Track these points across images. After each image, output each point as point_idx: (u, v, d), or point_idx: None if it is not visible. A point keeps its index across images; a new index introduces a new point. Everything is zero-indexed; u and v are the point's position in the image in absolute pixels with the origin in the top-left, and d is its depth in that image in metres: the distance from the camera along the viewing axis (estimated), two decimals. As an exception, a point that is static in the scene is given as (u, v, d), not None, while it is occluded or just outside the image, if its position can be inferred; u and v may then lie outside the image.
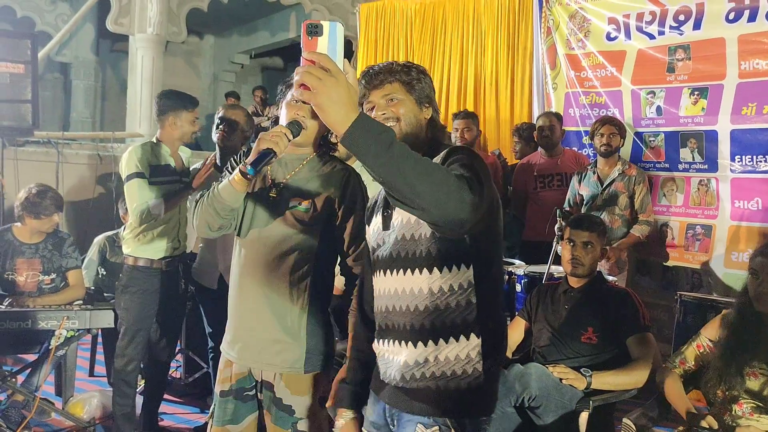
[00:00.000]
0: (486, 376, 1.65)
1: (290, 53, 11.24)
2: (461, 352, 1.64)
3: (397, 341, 1.72)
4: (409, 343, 1.68)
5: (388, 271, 1.74)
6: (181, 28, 8.32)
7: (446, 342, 1.65)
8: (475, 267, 1.64)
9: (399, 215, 1.71)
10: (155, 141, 3.36)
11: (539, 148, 4.82)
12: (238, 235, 2.20)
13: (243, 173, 1.98)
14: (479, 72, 6.02)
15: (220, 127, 3.48)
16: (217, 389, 2.25)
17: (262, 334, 2.13)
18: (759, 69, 4.07)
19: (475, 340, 1.64)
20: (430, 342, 1.66)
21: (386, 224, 1.75)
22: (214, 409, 2.26)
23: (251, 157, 1.95)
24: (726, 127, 4.21)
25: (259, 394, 2.19)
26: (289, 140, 1.99)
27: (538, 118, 4.92)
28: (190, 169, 3.51)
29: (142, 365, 3.71)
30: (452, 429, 1.65)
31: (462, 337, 1.64)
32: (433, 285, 1.64)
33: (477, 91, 6.05)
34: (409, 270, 1.68)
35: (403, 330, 1.70)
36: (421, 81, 1.78)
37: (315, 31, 1.26)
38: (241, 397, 2.20)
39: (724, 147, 4.22)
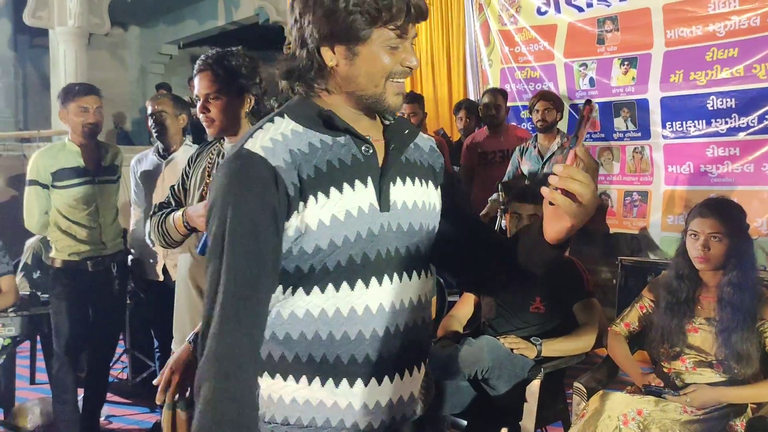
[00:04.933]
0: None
1: (220, 42, 10.96)
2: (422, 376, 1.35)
3: (376, 376, 1.23)
4: (405, 372, 1.27)
5: (387, 275, 1.23)
6: (104, 20, 8.00)
7: (425, 363, 1.35)
8: None
9: (400, 191, 1.26)
10: (65, 142, 3.25)
11: (483, 125, 4.85)
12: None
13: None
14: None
15: (151, 123, 3.37)
16: None
17: None
18: (684, 37, 4.19)
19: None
20: (415, 367, 1.30)
21: (384, 203, 1.23)
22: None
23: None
24: (656, 95, 4.32)
25: None
26: None
27: (483, 95, 4.91)
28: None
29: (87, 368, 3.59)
30: None
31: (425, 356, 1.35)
32: (428, 292, 1.32)
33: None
34: (414, 272, 1.27)
35: (395, 358, 1.25)
36: None
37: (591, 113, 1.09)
38: None
39: (656, 114, 4.34)
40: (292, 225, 1.16)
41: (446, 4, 5.77)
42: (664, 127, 4.31)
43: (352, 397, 1.21)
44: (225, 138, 2.21)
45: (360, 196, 1.20)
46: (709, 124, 4.12)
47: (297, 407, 1.21)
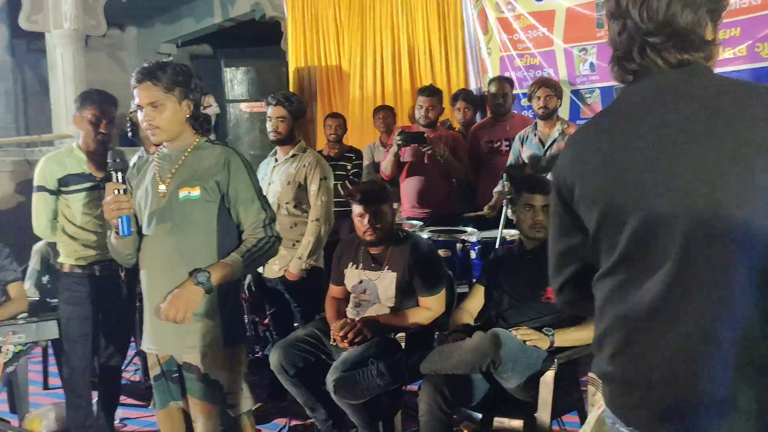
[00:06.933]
0: None
1: (219, 39, 10.94)
2: None
3: None
4: None
5: None
6: (100, 21, 7.96)
7: None
8: None
9: None
10: (72, 147, 3.25)
11: (490, 114, 4.80)
12: (140, 234, 2.32)
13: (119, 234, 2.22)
14: (412, 44, 5.98)
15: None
16: (151, 379, 2.45)
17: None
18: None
19: None
20: None
21: None
22: (154, 399, 2.46)
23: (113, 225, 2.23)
24: (658, 77, 4.29)
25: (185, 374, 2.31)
26: (125, 190, 2.17)
27: (489, 84, 4.85)
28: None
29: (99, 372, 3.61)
30: None
31: None
32: None
33: (412, 63, 6.01)
34: None
35: None
36: None
37: None
38: (171, 379, 2.37)
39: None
40: None
41: (443, -7, 5.74)
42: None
43: None
44: (164, 144, 2.32)
45: None
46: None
47: None
